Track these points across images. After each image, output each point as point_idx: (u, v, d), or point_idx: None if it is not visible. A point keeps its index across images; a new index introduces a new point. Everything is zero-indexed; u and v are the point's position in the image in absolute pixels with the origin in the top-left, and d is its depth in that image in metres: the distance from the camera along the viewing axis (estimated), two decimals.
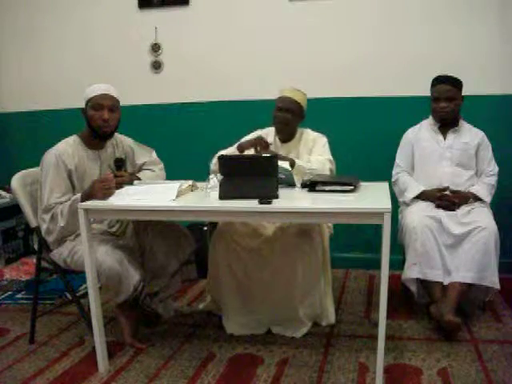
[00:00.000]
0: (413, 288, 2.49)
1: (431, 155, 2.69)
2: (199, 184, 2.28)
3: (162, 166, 2.60)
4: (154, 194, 2.09)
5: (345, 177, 2.29)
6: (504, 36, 3.01)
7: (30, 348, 2.38)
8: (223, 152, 2.49)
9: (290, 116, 2.51)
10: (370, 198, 2.05)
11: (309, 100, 2.59)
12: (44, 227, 2.22)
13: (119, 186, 2.18)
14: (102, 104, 2.25)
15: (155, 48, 3.53)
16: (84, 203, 2.05)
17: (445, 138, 2.70)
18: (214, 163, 2.44)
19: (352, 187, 2.11)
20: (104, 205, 2.05)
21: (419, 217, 2.47)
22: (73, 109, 2.86)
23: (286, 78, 3.17)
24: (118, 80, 2.73)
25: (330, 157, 2.52)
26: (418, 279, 2.46)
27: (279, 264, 2.37)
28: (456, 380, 1.99)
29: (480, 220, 2.43)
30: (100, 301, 2.10)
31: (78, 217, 2.01)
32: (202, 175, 2.31)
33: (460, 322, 2.27)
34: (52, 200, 2.19)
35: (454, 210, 2.51)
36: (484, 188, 2.62)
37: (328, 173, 2.42)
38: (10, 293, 3.09)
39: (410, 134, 2.80)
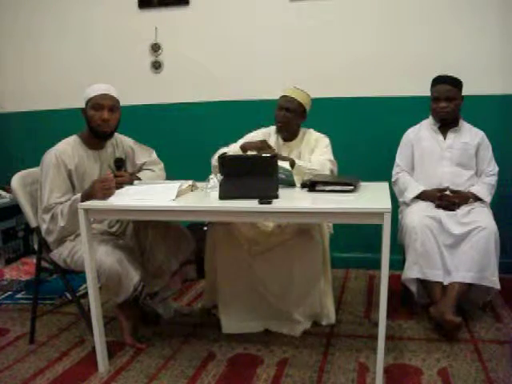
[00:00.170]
0: (413, 288, 2.49)
1: (431, 155, 2.69)
2: (199, 184, 2.28)
3: (162, 166, 2.60)
4: (154, 194, 2.09)
5: (345, 177, 2.29)
6: (504, 36, 3.01)
7: (30, 348, 2.38)
8: (226, 149, 2.50)
9: (290, 115, 2.52)
10: (370, 198, 2.05)
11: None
12: (44, 227, 2.22)
13: (119, 185, 2.18)
14: (102, 104, 2.25)
15: (155, 48, 3.53)
16: (84, 203, 2.04)
17: (445, 138, 2.70)
18: (215, 159, 2.44)
19: (352, 187, 2.11)
20: (104, 205, 2.05)
21: (419, 217, 2.47)
22: (73, 109, 2.86)
23: (286, 78, 3.18)
24: (117, 80, 2.73)
25: (332, 157, 2.52)
26: (417, 279, 2.46)
27: (277, 260, 2.37)
28: (456, 380, 1.99)
29: (480, 220, 2.43)
30: (100, 301, 2.10)
31: (78, 217, 2.01)
32: (202, 175, 2.31)
33: (460, 322, 2.27)
34: (52, 200, 2.19)
35: (454, 210, 2.51)
36: (484, 188, 2.62)
37: (328, 173, 2.42)
38: (9, 293, 3.09)
39: (410, 134, 2.80)
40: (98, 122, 2.26)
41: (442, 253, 2.43)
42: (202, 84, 3.48)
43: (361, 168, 2.78)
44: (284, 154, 2.55)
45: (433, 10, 3.08)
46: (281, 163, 2.20)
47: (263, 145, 2.44)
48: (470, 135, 2.69)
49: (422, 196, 2.63)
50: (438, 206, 2.54)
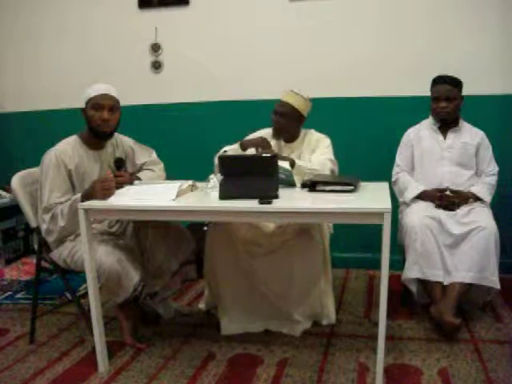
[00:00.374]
0: (413, 288, 2.49)
1: (431, 155, 2.69)
2: (199, 184, 2.28)
3: (162, 166, 2.60)
4: (154, 194, 2.09)
5: (345, 177, 2.29)
6: (504, 36, 3.01)
7: (30, 348, 2.38)
8: (227, 148, 2.50)
9: (283, 120, 2.53)
10: (370, 198, 2.06)
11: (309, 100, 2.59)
12: (44, 227, 2.22)
13: (119, 185, 2.18)
14: (103, 104, 2.25)
15: (155, 48, 3.53)
16: (84, 203, 2.04)
17: (445, 138, 2.70)
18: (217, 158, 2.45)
19: (352, 187, 2.11)
20: (104, 205, 2.05)
21: (419, 217, 2.47)
22: (73, 109, 2.86)
23: (286, 78, 3.19)
24: (117, 80, 2.73)
25: (332, 157, 2.53)
26: (418, 279, 2.46)
27: (277, 260, 2.37)
28: (456, 380, 1.99)
29: (480, 220, 2.43)
30: (100, 301, 2.10)
31: (78, 217, 2.01)
32: (202, 175, 2.31)
33: (459, 323, 2.27)
34: (52, 200, 2.19)
35: (454, 210, 2.51)
36: (484, 188, 2.62)
37: (328, 173, 2.42)
38: (9, 293, 3.09)
39: (410, 134, 2.80)
40: (97, 122, 2.26)
41: (442, 253, 2.43)
42: (202, 84, 3.48)
43: (361, 168, 2.78)
44: (285, 154, 2.55)
45: (433, 9, 3.08)
46: (281, 163, 2.20)
47: (263, 142, 2.44)
48: (470, 135, 2.69)
49: (422, 196, 2.63)
50: (438, 206, 2.54)
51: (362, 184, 2.24)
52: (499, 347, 2.24)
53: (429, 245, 2.41)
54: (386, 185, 2.27)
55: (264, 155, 2.20)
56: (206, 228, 3.20)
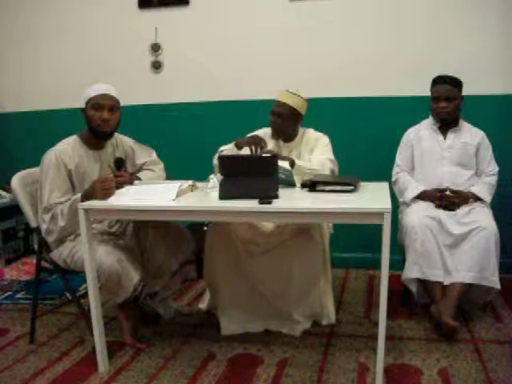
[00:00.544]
0: (413, 288, 2.49)
1: (431, 155, 2.69)
2: (199, 184, 2.28)
3: (162, 166, 2.60)
4: (154, 194, 2.09)
5: (345, 177, 2.29)
6: (504, 36, 3.01)
7: (30, 348, 2.38)
8: (223, 148, 2.50)
9: (280, 120, 2.53)
10: (370, 198, 2.06)
11: (309, 100, 2.59)
12: (44, 227, 2.22)
13: (119, 185, 2.18)
14: (103, 104, 2.25)
15: (155, 48, 3.53)
16: (84, 203, 2.04)
17: (445, 138, 2.70)
18: (216, 158, 2.45)
19: (352, 187, 2.11)
20: (104, 205, 2.05)
21: (419, 217, 2.47)
22: (73, 109, 2.86)
23: (285, 77, 3.18)
24: (117, 80, 2.73)
25: (332, 156, 2.53)
26: (418, 279, 2.46)
27: (277, 260, 2.37)
28: (456, 380, 1.99)
29: (480, 220, 2.43)
30: (100, 301, 2.10)
31: (78, 217, 2.00)
32: (202, 175, 2.31)
33: (457, 326, 2.26)
34: (52, 200, 2.19)
35: (454, 210, 2.51)
36: (484, 188, 2.62)
37: (328, 173, 2.42)
38: (9, 293, 3.09)
39: (410, 134, 2.80)
40: (97, 122, 2.26)
41: (442, 253, 2.43)
42: (202, 84, 3.48)
43: (361, 168, 2.78)
44: (284, 154, 2.55)
45: (433, 9, 3.08)
46: (281, 163, 2.20)
47: (255, 140, 2.44)
48: (470, 135, 2.69)
49: (422, 196, 2.63)
50: (438, 206, 2.54)
51: (362, 184, 2.24)
52: (499, 347, 2.24)
53: (429, 245, 2.41)
54: (385, 185, 2.27)
55: (264, 155, 2.20)
56: (205, 228, 3.20)
